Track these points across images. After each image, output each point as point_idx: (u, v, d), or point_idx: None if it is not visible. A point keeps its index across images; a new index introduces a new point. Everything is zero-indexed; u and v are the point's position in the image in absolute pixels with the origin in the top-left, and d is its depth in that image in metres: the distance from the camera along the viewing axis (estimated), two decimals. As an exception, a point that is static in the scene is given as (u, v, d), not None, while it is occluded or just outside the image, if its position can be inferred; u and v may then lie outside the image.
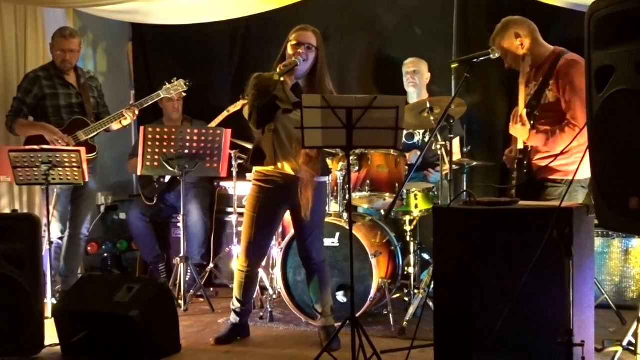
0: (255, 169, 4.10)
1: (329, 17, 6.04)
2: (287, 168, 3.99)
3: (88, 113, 5.20)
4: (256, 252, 4.11)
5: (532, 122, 4.06)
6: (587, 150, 2.59)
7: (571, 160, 3.92)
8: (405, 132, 5.22)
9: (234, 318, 4.22)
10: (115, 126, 5.22)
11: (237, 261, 4.16)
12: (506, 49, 4.12)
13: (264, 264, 4.78)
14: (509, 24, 4.16)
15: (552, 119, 4.03)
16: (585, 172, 3.87)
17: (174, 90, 5.28)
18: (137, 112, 5.20)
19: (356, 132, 3.30)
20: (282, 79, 3.80)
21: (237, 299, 4.18)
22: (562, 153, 3.81)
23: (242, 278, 4.14)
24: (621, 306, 4.49)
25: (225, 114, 5.56)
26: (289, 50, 3.90)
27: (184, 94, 5.56)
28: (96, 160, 5.23)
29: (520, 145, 4.14)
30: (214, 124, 5.56)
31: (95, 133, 5.14)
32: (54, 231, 4.94)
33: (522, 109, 4.04)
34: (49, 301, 4.57)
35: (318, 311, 4.16)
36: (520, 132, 4.07)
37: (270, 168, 4.01)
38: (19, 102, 5.14)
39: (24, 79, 5.21)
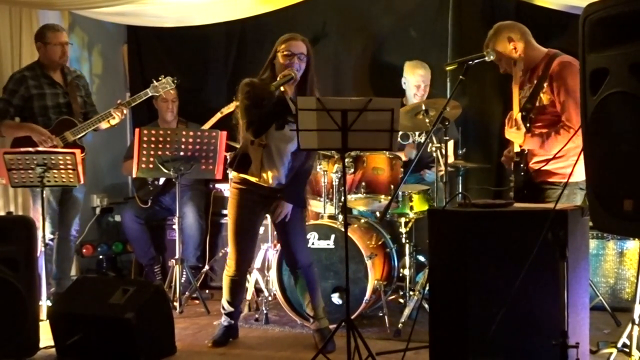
0: (235, 173, 4.09)
1: (324, 20, 6.04)
2: (271, 181, 4.00)
3: (75, 113, 5.14)
4: (243, 256, 4.12)
5: (527, 125, 4.07)
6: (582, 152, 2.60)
7: (568, 162, 3.93)
8: (400, 132, 5.23)
9: (226, 320, 4.23)
10: (103, 125, 5.16)
11: (225, 268, 4.16)
12: (500, 54, 4.13)
13: (259, 266, 4.81)
14: (500, 29, 4.16)
15: (547, 121, 4.04)
16: (582, 174, 3.87)
17: (162, 87, 5.25)
18: (125, 112, 5.16)
19: (351, 134, 3.31)
20: (282, 89, 3.78)
21: (227, 301, 4.19)
22: (556, 157, 3.82)
23: (231, 283, 4.15)
24: (616, 308, 4.49)
25: (218, 115, 5.57)
26: (281, 60, 3.87)
27: (172, 92, 5.54)
28: (85, 161, 5.17)
29: (517, 149, 4.15)
30: (207, 125, 5.56)
31: (83, 133, 5.10)
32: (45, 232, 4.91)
33: (516, 113, 4.04)
34: (44, 303, 4.56)
35: (310, 315, 4.17)
36: (515, 136, 4.07)
37: (255, 179, 4.00)
38: (5, 103, 5.04)
39: (9, 79, 5.12)
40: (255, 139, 3.94)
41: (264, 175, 3.98)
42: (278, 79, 3.80)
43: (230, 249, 4.11)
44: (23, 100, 5.06)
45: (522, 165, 4.11)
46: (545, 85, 4.03)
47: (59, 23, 5.71)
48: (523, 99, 4.16)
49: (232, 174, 4.15)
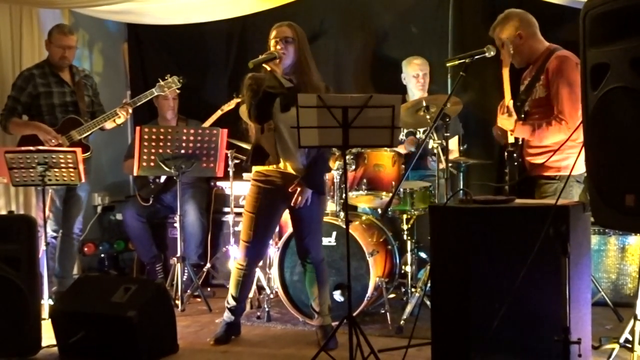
0: (254, 168, 4.12)
1: (324, 16, 6.04)
2: (289, 167, 4.01)
3: (82, 112, 5.18)
4: (255, 251, 4.12)
5: (522, 116, 4.08)
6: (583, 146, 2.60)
7: (563, 155, 3.93)
8: (405, 130, 5.23)
9: (228, 317, 4.23)
10: (109, 125, 5.21)
11: (235, 258, 4.17)
12: (504, 41, 4.12)
13: (260, 263, 4.80)
14: (510, 15, 4.19)
15: (543, 113, 4.05)
16: (579, 167, 3.85)
17: (168, 87, 5.26)
18: (130, 111, 5.19)
19: (352, 131, 3.30)
20: (268, 68, 3.88)
21: (232, 296, 4.19)
22: (550, 149, 3.82)
23: (239, 276, 4.15)
24: (618, 303, 4.49)
25: (219, 112, 5.57)
26: (271, 48, 3.98)
27: (177, 91, 5.55)
28: (90, 160, 5.21)
29: (511, 139, 4.15)
30: (208, 122, 5.57)
31: (89, 132, 5.13)
32: (47, 231, 4.91)
33: (508, 100, 4.06)
34: (46, 302, 4.56)
35: (315, 310, 4.17)
36: (506, 123, 4.09)
37: (272, 167, 4.02)
38: (13, 101, 5.11)
39: (18, 76, 5.20)
40: (259, 124, 3.98)
41: (282, 163, 4.00)
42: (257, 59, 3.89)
43: (241, 244, 4.11)
44: (30, 97, 5.12)
45: (515, 155, 4.11)
46: (542, 77, 4.04)
47: (60, 22, 5.72)
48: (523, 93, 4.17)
49: (252, 172, 4.17)
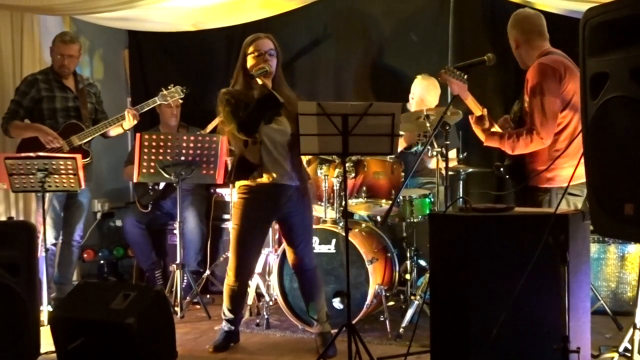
0: (238, 183, 4.06)
1: (324, 24, 6.05)
2: (278, 177, 3.97)
3: (84, 118, 5.19)
4: (245, 267, 4.10)
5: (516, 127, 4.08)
6: (582, 157, 2.60)
7: (547, 165, 3.89)
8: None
9: (226, 326, 4.22)
10: (113, 131, 5.21)
11: (226, 276, 4.14)
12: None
13: (259, 270, 4.80)
14: (513, 20, 4.12)
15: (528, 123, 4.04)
16: (565, 180, 3.73)
17: (171, 97, 5.26)
18: (137, 116, 5.18)
19: (352, 139, 3.31)
20: (260, 81, 3.86)
21: (228, 309, 4.19)
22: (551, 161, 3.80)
23: (231, 293, 4.14)
24: (617, 312, 4.49)
25: (219, 119, 5.56)
26: (252, 62, 3.93)
27: (181, 101, 5.56)
28: (90, 165, 5.21)
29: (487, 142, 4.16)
30: (208, 129, 5.56)
31: (90, 138, 5.13)
32: (47, 238, 4.91)
33: (478, 112, 4.05)
34: (45, 308, 4.56)
35: (313, 317, 4.16)
36: (479, 133, 4.09)
37: (259, 181, 3.98)
38: (15, 104, 5.14)
39: (22, 81, 5.22)
40: (249, 136, 3.90)
41: (269, 175, 3.96)
42: (254, 70, 3.86)
43: (231, 259, 4.08)
44: (33, 102, 5.14)
45: (502, 170, 4.11)
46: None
47: (61, 28, 5.74)
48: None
49: (236, 187, 4.12)
